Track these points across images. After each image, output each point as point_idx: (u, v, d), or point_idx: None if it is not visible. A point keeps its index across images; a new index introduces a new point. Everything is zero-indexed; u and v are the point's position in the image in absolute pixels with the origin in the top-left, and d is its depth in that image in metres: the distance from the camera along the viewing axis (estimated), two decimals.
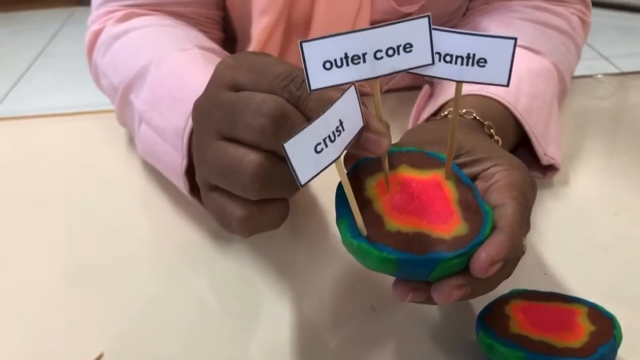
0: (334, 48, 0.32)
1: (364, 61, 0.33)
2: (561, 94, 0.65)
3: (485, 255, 0.34)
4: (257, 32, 0.64)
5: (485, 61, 0.33)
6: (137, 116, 0.58)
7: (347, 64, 0.32)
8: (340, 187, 0.36)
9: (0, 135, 0.74)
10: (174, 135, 0.51)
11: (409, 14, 0.68)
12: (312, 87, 0.32)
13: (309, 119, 0.33)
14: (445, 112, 0.52)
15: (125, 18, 0.66)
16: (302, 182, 0.30)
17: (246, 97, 0.35)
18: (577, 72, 0.72)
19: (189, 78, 0.54)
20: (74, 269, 0.52)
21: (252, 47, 0.65)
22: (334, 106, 0.30)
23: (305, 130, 0.29)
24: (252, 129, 0.34)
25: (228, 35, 0.75)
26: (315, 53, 0.32)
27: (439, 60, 0.34)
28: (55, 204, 0.60)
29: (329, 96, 0.33)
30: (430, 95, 0.61)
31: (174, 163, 0.51)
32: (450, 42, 0.34)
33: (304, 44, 0.31)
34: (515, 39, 0.33)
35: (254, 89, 0.36)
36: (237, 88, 0.37)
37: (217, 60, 0.51)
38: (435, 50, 0.34)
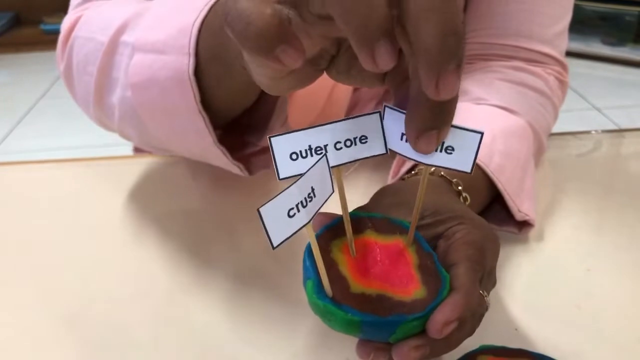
0: (299, 141, 0.36)
1: (326, 152, 0.36)
2: (538, 152, 0.67)
3: (440, 316, 0.36)
4: None
5: (453, 149, 0.36)
6: (126, 59, 0.54)
7: (312, 155, 0.36)
8: (307, 249, 0.38)
9: None
10: (179, 34, 0.47)
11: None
12: (281, 177, 0.35)
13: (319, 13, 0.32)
14: (416, 171, 0.54)
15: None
16: (275, 245, 0.32)
17: None
18: (568, 122, 0.74)
19: None
20: (65, 314, 0.53)
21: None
22: (306, 175, 0.33)
23: (280, 196, 0.32)
24: None
25: None
26: (283, 146, 0.35)
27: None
28: (43, 251, 0.62)
29: None
30: None
31: (178, 70, 0.47)
32: None
33: (272, 139, 0.35)
34: (482, 133, 0.35)
35: None
36: None
37: None
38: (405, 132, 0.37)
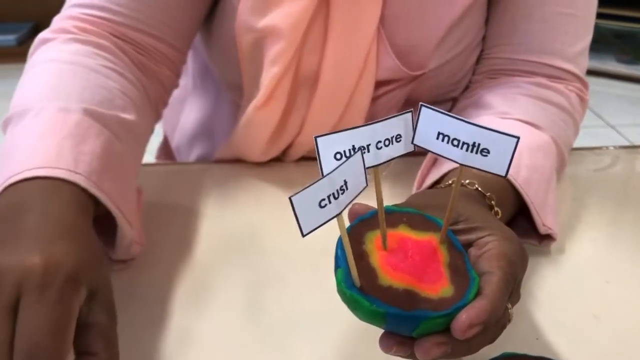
0: (343, 141, 0.38)
1: (368, 151, 0.39)
2: (560, 167, 0.68)
3: (465, 318, 0.38)
4: (266, 80, 0.68)
5: (488, 152, 0.38)
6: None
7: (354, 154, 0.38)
8: (340, 239, 0.40)
9: None
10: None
11: (414, 77, 0.72)
12: (324, 174, 0.35)
13: None
14: (449, 182, 0.56)
15: (70, 42, 0.65)
16: (304, 233, 0.34)
17: None
18: (582, 141, 0.75)
19: (32, 149, 0.52)
20: None
21: (261, 94, 0.69)
22: (338, 168, 0.35)
23: (311, 187, 0.34)
24: None
25: (232, 82, 0.78)
26: (328, 146, 0.38)
27: (447, 143, 0.38)
28: None
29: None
30: (434, 162, 0.65)
31: None
32: (459, 129, 0.38)
33: (318, 139, 0.37)
34: (518, 138, 0.37)
35: None
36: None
37: (90, 133, 0.54)
38: (444, 133, 0.39)
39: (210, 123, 0.88)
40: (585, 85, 0.74)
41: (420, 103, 0.39)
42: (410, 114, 0.39)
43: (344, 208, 0.36)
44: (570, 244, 0.63)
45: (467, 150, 0.38)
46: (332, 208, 0.35)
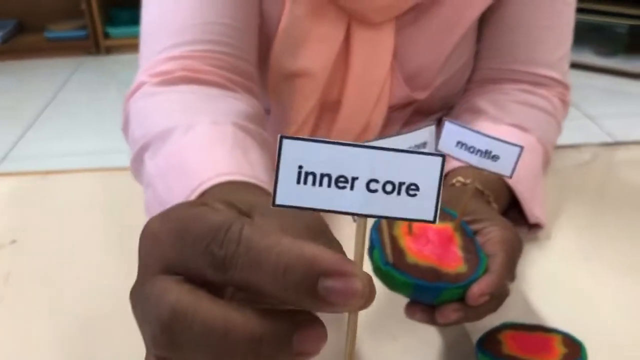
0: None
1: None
2: (545, 164, 0.77)
3: (477, 289, 0.47)
4: (301, 115, 0.77)
5: (498, 157, 0.47)
6: (146, 180, 0.59)
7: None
8: (374, 225, 0.49)
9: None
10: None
11: (417, 100, 0.81)
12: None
13: (237, 283, 0.27)
14: (454, 181, 0.65)
15: (175, 82, 0.65)
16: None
17: (146, 293, 0.28)
18: (565, 132, 0.85)
19: (206, 156, 0.53)
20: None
21: (295, 126, 0.77)
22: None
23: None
24: (147, 339, 0.28)
25: None
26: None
27: (465, 150, 0.48)
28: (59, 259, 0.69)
29: (264, 245, 0.26)
30: None
31: None
32: (474, 139, 0.48)
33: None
34: (522, 147, 0.47)
35: (180, 262, 0.28)
36: (165, 265, 0.29)
37: (248, 143, 0.57)
38: (463, 142, 0.48)
39: None
40: (566, 88, 0.83)
41: (444, 118, 0.49)
42: (434, 125, 0.46)
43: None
44: (556, 230, 0.73)
45: (480, 156, 0.48)
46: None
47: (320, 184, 0.26)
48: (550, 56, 0.82)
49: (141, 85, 0.67)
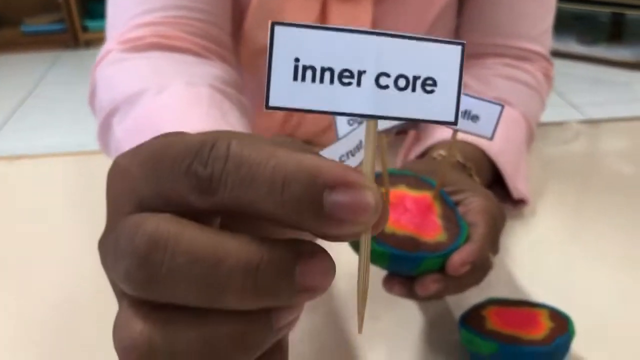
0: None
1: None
2: (529, 139, 0.75)
3: (458, 257, 0.45)
4: None
5: (478, 118, 0.44)
6: (114, 146, 0.57)
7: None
8: None
9: None
10: None
11: None
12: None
13: (228, 206, 0.22)
14: (434, 155, 0.62)
15: (145, 48, 0.62)
16: None
17: (117, 233, 0.23)
18: (547, 119, 0.83)
19: (182, 118, 0.50)
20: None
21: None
22: (355, 131, 0.39)
23: (332, 146, 0.38)
24: (119, 276, 0.23)
25: None
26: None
27: None
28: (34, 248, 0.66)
29: (256, 158, 0.22)
30: (417, 139, 0.72)
31: None
32: None
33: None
34: (503, 106, 0.44)
35: (156, 193, 0.23)
36: (139, 202, 0.24)
37: (226, 106, 0.54)
38: None
39: None
40: (550, 63, 0.81)
41: None
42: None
43: (360, 164, 0.40)
44: (541, 207, 0.71)
45: (460, 117, 0.45)
46: (351, 163, 0.39)
47: (322, 80, 0.22)
48: (534, 29, 0.79)
49: (109, 52, 0.64)
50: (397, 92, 0.22)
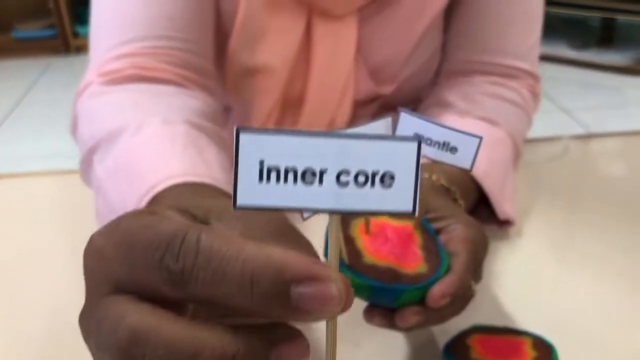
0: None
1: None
2: (515, 158, 0.75)
3: (437, 290, 0.44)
4: (261, 110, 0.74)
5: (457, 149, 0.44)
6: (95, 185, 0.57)
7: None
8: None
9: None
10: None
11: (384, 95, 0.78)
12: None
13: (199, 299, 0.24)
14: None
15: (123, 81, 0.62)
16: (305, 217, 0.35)
17: (99, 318, 0.25)
18: (538, 123, 0.83)
19: (156, 157, 0.51)
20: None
21: (255, 121, 0.74)
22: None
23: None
24: None
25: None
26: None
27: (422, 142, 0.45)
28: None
29: (226, 253, 0.23)
30: None
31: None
32: (432, 130, 0.45)
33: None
34: (481, 138, 0.43)
35: (131, 280, 0.25)
36: (114, 285, 0.26)
37: (203, 142, 0.55)
38: (420, 134, 0.44)
39: None
40: (536, 80, 0.81)
41: (399, 108, 0.45)
42: (390, 118, 0.42)
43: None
44: (527, 227, 0.70)
45: (438, 148, 0.45)
46: None
47: (285, 180, 0.23)
48: (520, 45, 0.79)
49: (89, 84, 0.64)
50: (357, 188, 0.24)
